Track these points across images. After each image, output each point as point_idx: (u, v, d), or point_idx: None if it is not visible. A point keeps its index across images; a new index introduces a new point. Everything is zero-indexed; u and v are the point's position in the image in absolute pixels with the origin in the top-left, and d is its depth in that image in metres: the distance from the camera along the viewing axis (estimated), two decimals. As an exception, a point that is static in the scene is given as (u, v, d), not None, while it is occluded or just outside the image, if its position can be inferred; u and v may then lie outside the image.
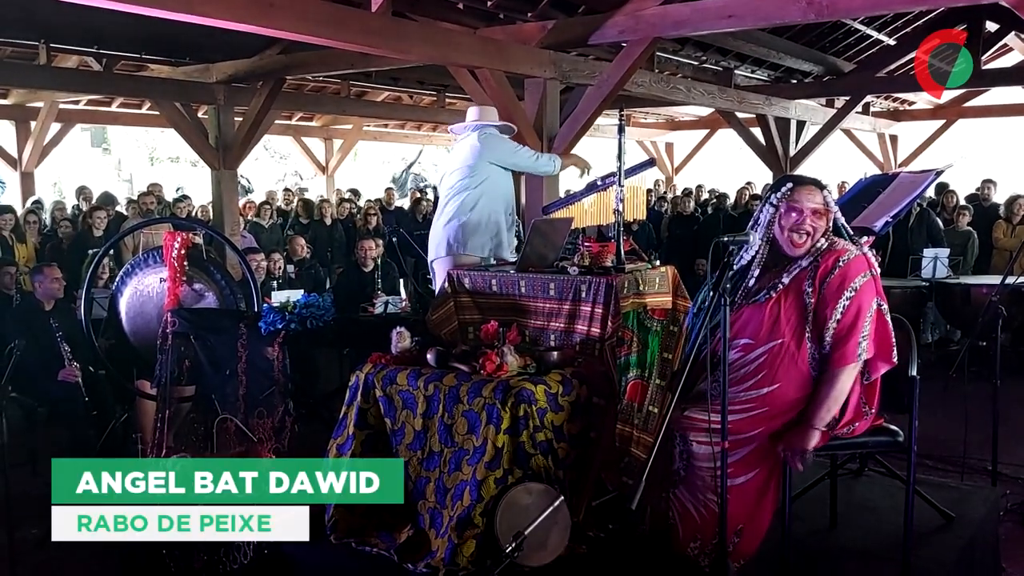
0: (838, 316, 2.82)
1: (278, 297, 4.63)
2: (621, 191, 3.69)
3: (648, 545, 3.11)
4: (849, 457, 3.81)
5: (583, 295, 3.46)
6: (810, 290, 2.88)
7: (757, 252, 3.01)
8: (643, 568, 3.07)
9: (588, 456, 3.25)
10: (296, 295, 4.17)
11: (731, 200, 12.26)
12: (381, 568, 3.10)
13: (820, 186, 3.00)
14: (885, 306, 2.89)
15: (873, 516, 3.54)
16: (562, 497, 2.98)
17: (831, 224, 2.99)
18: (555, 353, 3.36)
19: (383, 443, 3.36)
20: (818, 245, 2.95)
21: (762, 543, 3.00)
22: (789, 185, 2.99)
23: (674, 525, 3.01)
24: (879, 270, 2.99)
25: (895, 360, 2.88)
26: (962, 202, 9.79)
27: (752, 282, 3.00)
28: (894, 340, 2.87)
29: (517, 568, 2.89)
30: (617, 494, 3.25)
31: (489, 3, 6.33)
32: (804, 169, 10.81)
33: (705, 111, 14.39)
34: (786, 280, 2.94)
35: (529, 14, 6.56)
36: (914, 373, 3.03)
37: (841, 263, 2.86)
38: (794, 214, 2.93)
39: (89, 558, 3.96)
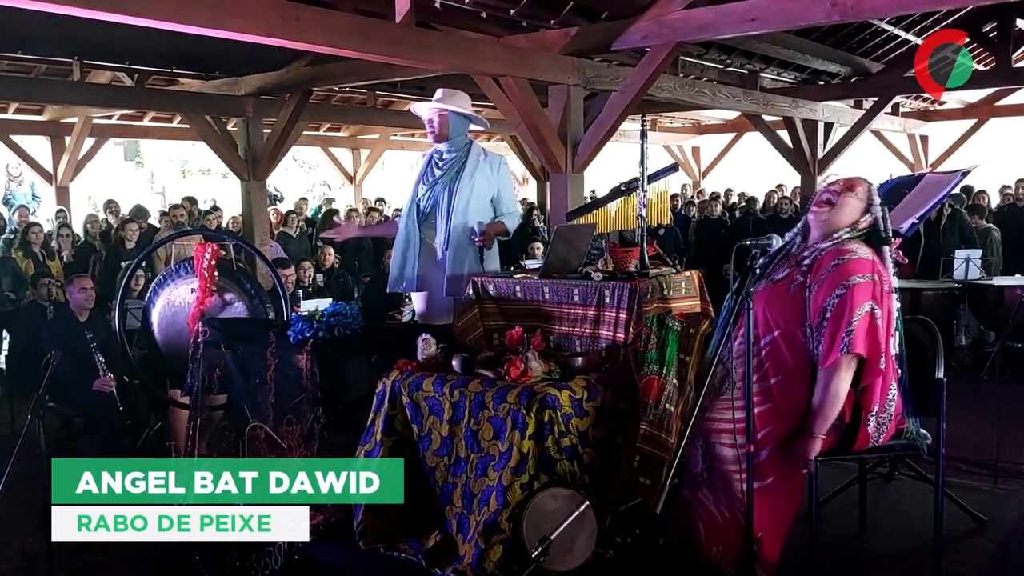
0: (826, 312, 2.79)
1: (307, 306, 4.69)
2: (644, 196, 3.70)
3: (675, 551, 3.10)
4: (879, 461, 3.78)
5: (607, 300, 3.47)
6: (806, 282, 2.88)
7: (788, 240, 3.05)
8: (670, 574, 3.06)
9: (613, 461, 3.26)
10: (325, 304, 4.21)
11: (760, 203, 12.19)
12: (409, 573, 3.13)
13: (868, 183, 3.02)
14: (880, 312, 2.79)
15: (903, 520, 3.51)
16: (588, 502, 2.99)
17: (863, 222, 2.95)
18: (579, 358, 3.38)
19: (410, 449, 3.38)
20: (834, 238, 2.92)
21: (790, 547, 2.98)
22: None
23: (697, 529, 3.00)
24: (890, 281, 2.91)
25: (883, 368, 2.81)
26: (991, 204, 9.74)
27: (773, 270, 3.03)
28: (883, 348, 2.79)
29: (544, 573, 2.91)
30: (643, 499, 3.24)
31: (512, 11, 6.36)
32: (833, 171, 10.73)
33: (731, 114, 14.34)
34: (782, 273, 2.96)
35: (552, 21, 6.58)
36: (941, 375, 3.01)
37: (841, 260, 2.83)
38: (821, 189, 3.04)
39: (124, 563, 4.04)
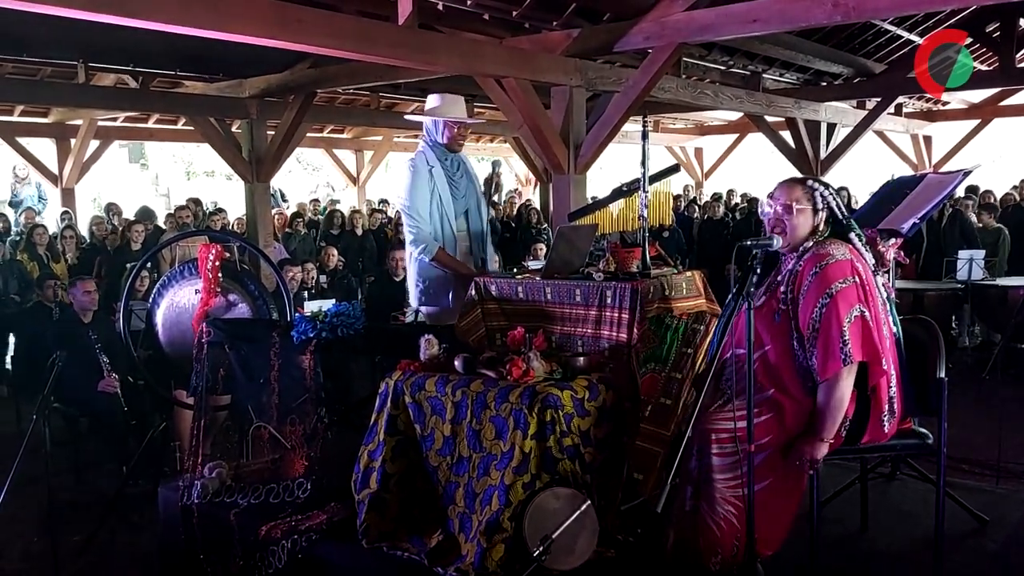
0: (815, 324, 2.80)
1: (310, 306, 4.69)
2: (645, 197, 3.71)
3: (676, 550, 3.11)
4: (880, 461, 3.79)
5: (608, 301, 3.48)
6: (789, 296, 2.89)
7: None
8: (671, 572, 3.07)
9: (615, 460, 3.27)
10: (328, 304, 4.23)
11: (762, 204, 12.17)
12: (412, 572, 3.14)
13: (801, 182, 3.00)
14: (869, 313, 2.81)
15: (905, 520, 3.52)
16: (589, 501, 3.00)
17: (821, 221, 2.97)
18: (581, 358, 3.39)
19: (413, 449, 3.40)
20: (806, 246, 2.93)
21: (791, 546, 2.99)
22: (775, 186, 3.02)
23: (696, 537, 2.99)
24: (869, 271, 2.94)
25: (885, 367, 2.83)
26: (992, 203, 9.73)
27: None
28: (880, 348, 2.81)
29: (545, 572, 2.91)
30: (644, 498, 3.25)
31: (515, 13, 6.37)
32: (836, 171, 10.73)
33: (734, 115, 14.33)
34: (764, 291, 2.97)
35: (554, 23, 6.59)
36: (942, 375, 3.02)
37: (820, 268, 2.84)
38: (767, 210, 2.99)
39: (129, 563, 4.06)
